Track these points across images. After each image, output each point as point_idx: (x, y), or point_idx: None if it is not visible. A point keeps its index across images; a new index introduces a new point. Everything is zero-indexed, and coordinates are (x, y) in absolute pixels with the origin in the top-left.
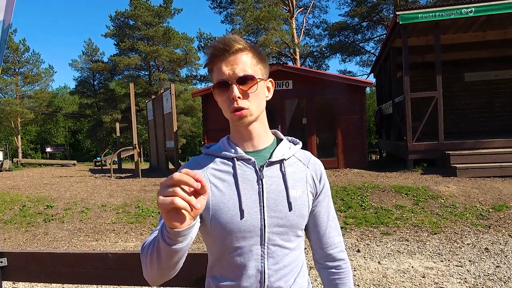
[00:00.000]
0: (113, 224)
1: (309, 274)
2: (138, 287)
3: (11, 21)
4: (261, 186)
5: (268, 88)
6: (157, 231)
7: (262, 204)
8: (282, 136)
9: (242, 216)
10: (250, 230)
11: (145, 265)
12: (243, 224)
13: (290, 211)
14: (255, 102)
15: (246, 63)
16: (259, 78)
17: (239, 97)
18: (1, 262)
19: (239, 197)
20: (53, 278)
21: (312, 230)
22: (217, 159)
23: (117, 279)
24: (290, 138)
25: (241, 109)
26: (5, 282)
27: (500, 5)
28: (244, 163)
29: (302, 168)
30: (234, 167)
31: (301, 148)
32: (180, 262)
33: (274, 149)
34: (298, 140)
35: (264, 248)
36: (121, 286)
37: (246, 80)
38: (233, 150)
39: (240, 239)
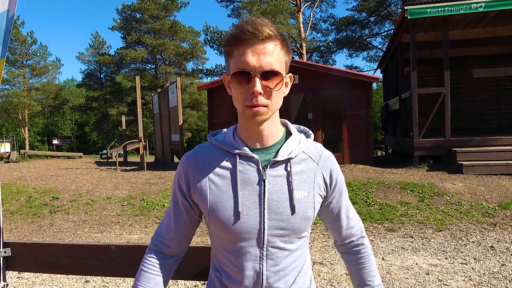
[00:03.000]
0: (118, 216)
1: (312, 269)
2: None
3: (15, 11)
4: (263, 187)
5: (286, 84)
6: (170, 214)
7: (262, 205)
8: (292, 129)
9: (237, 219)
10: (248, 231)
11: None
12: (240, 226)
13: (293, 214)
14: (275, 100)
15: (274, 54)
16: (284, 76)
17: (260, 93)
18: (5, 252)
19: (236, 198)
20: (56, 268)
21: (329, 224)
22: (220, 153)
23: (120, 271)
24: (301, 128)
25: (259, 106)
26: (10, 272)
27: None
28: (247, 161)
29: (311, 166)
30: (234, 164)
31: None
32: None
33: (281, 146)
34: (310, 132)
35: (263, 250)
36: (124, 278)
37: (271, 76)
38: (237, 146)
39: (237, 240)
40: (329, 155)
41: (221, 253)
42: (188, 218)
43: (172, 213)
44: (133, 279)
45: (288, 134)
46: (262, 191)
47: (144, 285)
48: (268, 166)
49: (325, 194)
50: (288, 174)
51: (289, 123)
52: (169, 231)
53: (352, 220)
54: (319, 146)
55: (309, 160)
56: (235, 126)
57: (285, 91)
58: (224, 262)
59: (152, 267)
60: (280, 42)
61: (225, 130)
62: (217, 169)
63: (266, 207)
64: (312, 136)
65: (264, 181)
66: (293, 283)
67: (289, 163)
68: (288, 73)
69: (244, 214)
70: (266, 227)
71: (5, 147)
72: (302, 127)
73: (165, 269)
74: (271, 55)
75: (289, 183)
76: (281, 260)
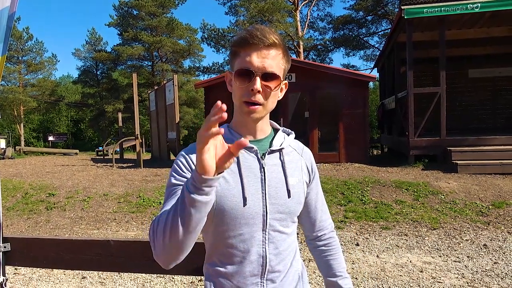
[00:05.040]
0: (114, 213)
1: (307, 266)
2: (139, 275)
3: (16, 9)
4: (263, 174)
5: (281, 89)
6: (167, 206)
7: (264, 191)
8: (278, 126)
9: (245, 203)
10: (253, 216)
11: (161, 236)
12: (247, 211)
13: (289, 198)
14: (270, 101)
15: (276, 60)
16: (282, 80)
17: (259, 91)
18: (5, 247)
19: (242, 184)
20: (55, 263)
21: (304, 216)
22: None
23: (119, 266)
24: (282, 128)
25: (256, 104)
26: (8, 267)
27: (507, 1)
28: (247, 151)
29: (297, 157)
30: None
31: (299, 141)
32: (197, 231)
33: (273, 139)
34: (290, 131)
35: (265, 234)
36: (121, 274)
37: (271, 78)
38: (235, 138)
39: (244, 225)
40: (308, 150)
41: (224, 244)
42: None
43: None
44: (131, 274)
45: (275, 131)
46: (263, 178)
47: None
48: (266, 155)
49: (308, 183)
50: (282, 163)
51: (274, 123)
52: None
53: (325, 214)
54: (299, 142)
55: (295, 153)
56: (227, 124)
57: (280, 95)
58: (226, 253)
59: None
60: (282, 51)
61: None
62: None
63: (267, 192)
64: (293, 134)
65: (263, 168)
66: (290, 267)
67: (281, 153)
68: (284, 80)
69: (249, 199)
70: (268, 211)
71: (0, 144)
72: (283, 127)
73: None
74: (274, 60)
75: (284, 171)
76: (280, 244)
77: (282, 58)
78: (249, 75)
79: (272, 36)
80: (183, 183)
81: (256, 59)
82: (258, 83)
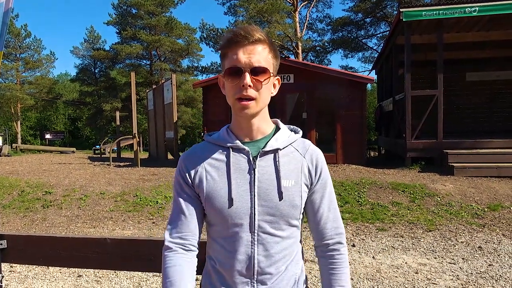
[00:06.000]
0: (111, 212)
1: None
2: (135, 273)
3: (12, 5)
4: (253, 176)
5: (274, 85)
6: (173, 222)
7: (253, 192)
8: (281, 125)
9: (231, 204)
10: (241, 217)
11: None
12: (233, 212)
13: (280, 200)
14: (263, 95)
15: (262, 55)
16: (271, 73)
17: (249, 86)
18: (1, 244)
19: (229, 185)
20: (52, 261)
21: (310, 220)
22: (215, 148)
23: (115, 264)
24: (291, 127)
25: (248, 98)
26: (4, 264)
27: (504, 5)
28: (239, 152)
29: (298, 158)
30: (228, 156)
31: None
32: None
33: (270, 139)
34: (299, 129)
35: (254, 235)
36: (117, 273)
37: (260, 72)
38: (229, 140)
39: (231, 225)
40: (315, 149)
41: (216, 241)
42: (197, 206)
43: (181, 205)
44: (127, 272)
45: (278, 130)
46: (252, 179)
47: (175, 278)
48: (258, 157)
49: (310, 185)
50: (276, 164)
51: (279, 121)
52: (183, 222)
53: (331, 222)
54: (307, 141)
55: (297, 153)
56: (229, 125)
57: (273, 91)
58: (218, 250)
59: (178, 260)
60: (268, 46)
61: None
62: (213, 162)
63: (256, 193)
64: (301, 132)
65: (254, 170)
66: (284, 271)
67: (277, 154)
68: (276, 76)
69: (237, 200)
70: (256, 213)
71: None
72: (292, 126)
73: (192, 263)
74: (260, 55)
75: (277, 172)
76: (272, 246)
77: (269, 53)
78: (238, 72)
79: (256, 33)
80: (185, 195)
81: (243, 56)
82: (248, 78)
